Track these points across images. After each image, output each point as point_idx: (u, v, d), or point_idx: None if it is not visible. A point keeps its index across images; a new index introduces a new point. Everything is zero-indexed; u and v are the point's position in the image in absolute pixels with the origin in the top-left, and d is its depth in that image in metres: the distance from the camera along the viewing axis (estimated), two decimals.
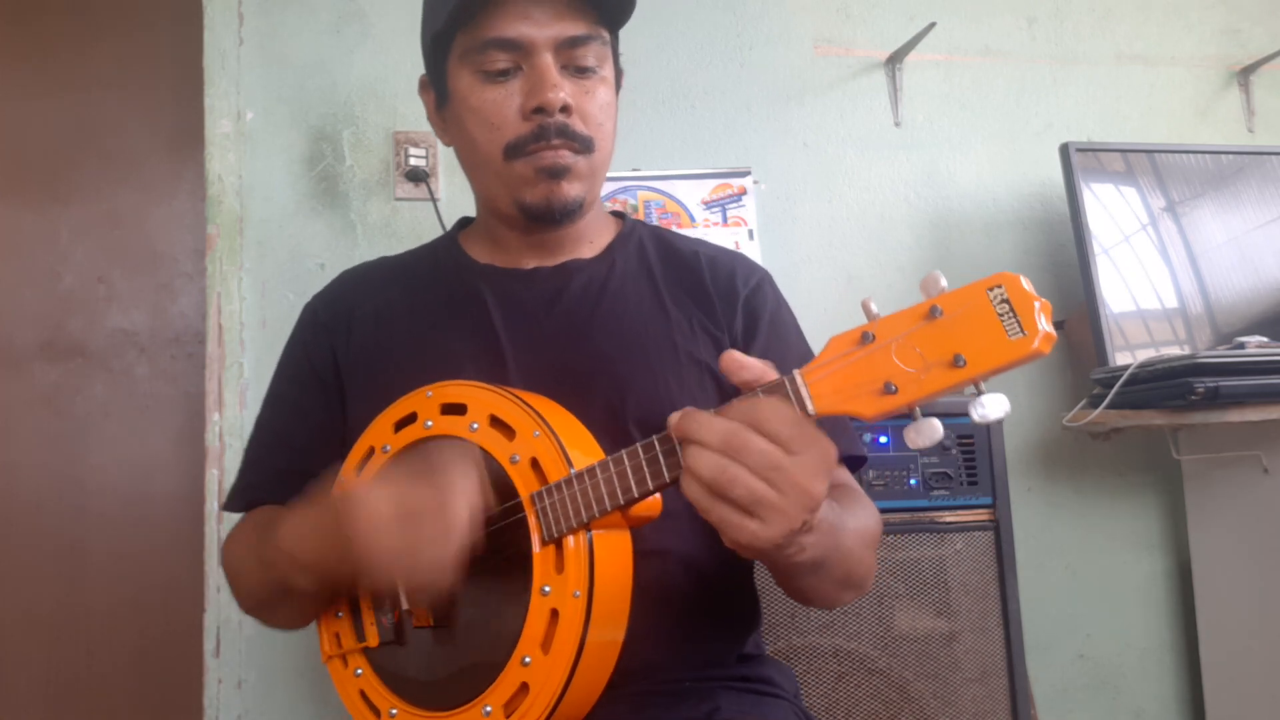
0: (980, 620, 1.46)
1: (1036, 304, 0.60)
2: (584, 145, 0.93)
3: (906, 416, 0.65)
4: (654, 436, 0.71)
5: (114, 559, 2.13)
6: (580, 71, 0.93)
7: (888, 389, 0.62)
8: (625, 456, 0.72)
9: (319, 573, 0.80)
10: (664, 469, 0.70)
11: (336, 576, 0.80)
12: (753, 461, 0.63)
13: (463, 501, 0.72)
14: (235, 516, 1.03)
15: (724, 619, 0.94)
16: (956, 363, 0.61)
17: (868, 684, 1.41)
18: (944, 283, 0.62)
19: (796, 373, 0.66)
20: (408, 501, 0.72)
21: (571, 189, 0.94)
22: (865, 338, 0.64)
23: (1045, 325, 0.59)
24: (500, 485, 0.78)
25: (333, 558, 0.77)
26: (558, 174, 0.92)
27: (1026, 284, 0.60)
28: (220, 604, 1.57)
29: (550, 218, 0.95)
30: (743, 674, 0.92)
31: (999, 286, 0.60)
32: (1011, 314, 0.60)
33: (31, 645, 2.10)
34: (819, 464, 0.65)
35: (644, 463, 0.71)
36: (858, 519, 0.85)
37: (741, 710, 0.86)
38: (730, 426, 0.64)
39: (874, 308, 0.64)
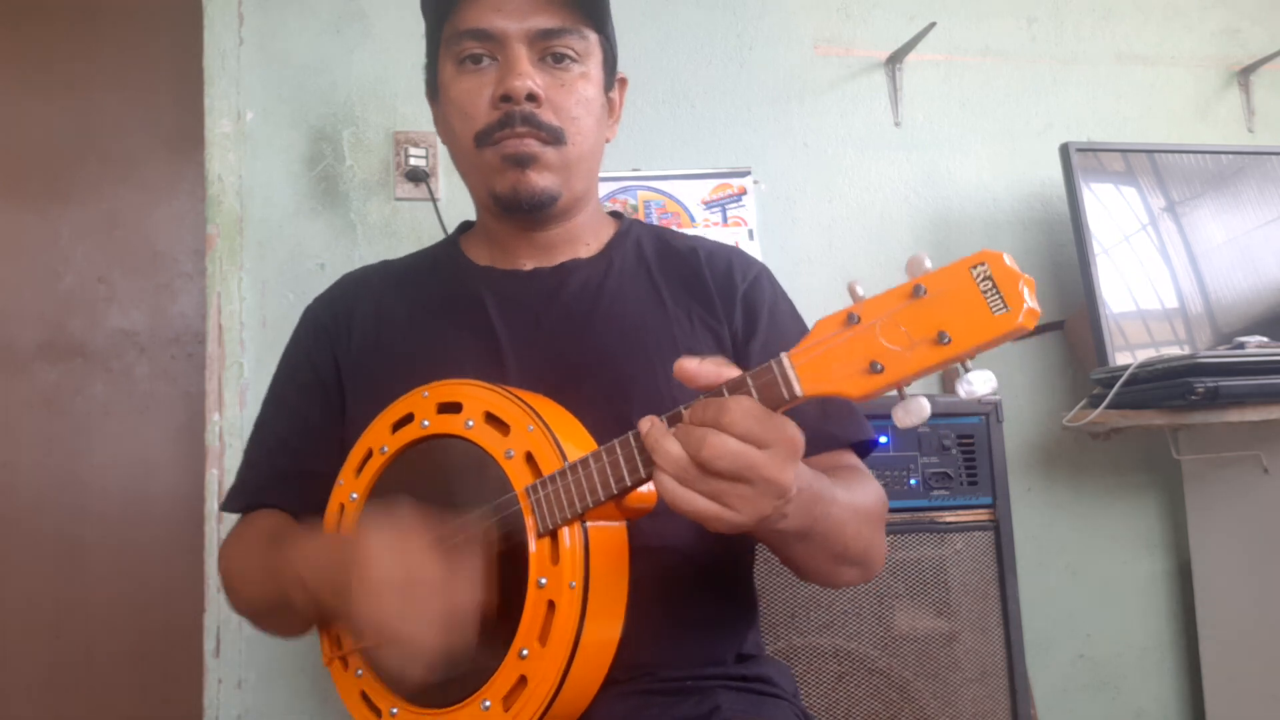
0: (980, 620, 1.46)
1: (1020, 280, 0.60)
2: (552, 135, 0.93)
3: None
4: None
5: (114, 559, 2.13)
6: (557, 64, 0.94)
7: (874, 368, 0.63)
8: (617, 446, 0.72)
9: (317, 600, 0.80)
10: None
11: (330, 609, 0.80)
12: (725, 465, 0.65)
13: (466, 600, 0.72)
14: (234, 517, 1.03)
15: (723, 616, 0.94)
16: (941, 340, 0.61)
17: (868, 684, 1.41)
18: (928, 264, 0.62)
19: (784, 355, 0.67)
20: (417, 575, 0.72)
21: (540, 179, 0.94)
22: (850, 319, 0.64)
23: (1030, 300, 0.59)
24: (495, 480, 0.78)
25: (330, 591, 0.77)
26: (522, 162, 0.93)
27: (1010, 261, 0.60)
28: (220, 604, 1.57)
29: (519, 208, 0.96)
30: (741, 673, 0.92)
31: (982, 264, 0.61)
32: (995, 290, 0.60)
33: (32, 645, 2.10)
34: (788, 454, 0.67)
35: (635, 451, 0.71)
36: (852, 493, 0.85)
37: (741, 710, 0.86)
38: (699, 431, 0.66)
39: (860, 290, 0.65)
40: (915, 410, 0.63)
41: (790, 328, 1.02)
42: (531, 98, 0.92)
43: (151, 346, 2.21)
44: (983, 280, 0.60)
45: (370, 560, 0.73)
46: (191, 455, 1.91)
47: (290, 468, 0.99)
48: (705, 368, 0.69)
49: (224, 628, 1.58)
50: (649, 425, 0.69)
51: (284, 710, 1.58)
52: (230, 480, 1.05)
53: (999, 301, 0.60)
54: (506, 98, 0.92)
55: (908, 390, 0.64)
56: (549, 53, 0.94)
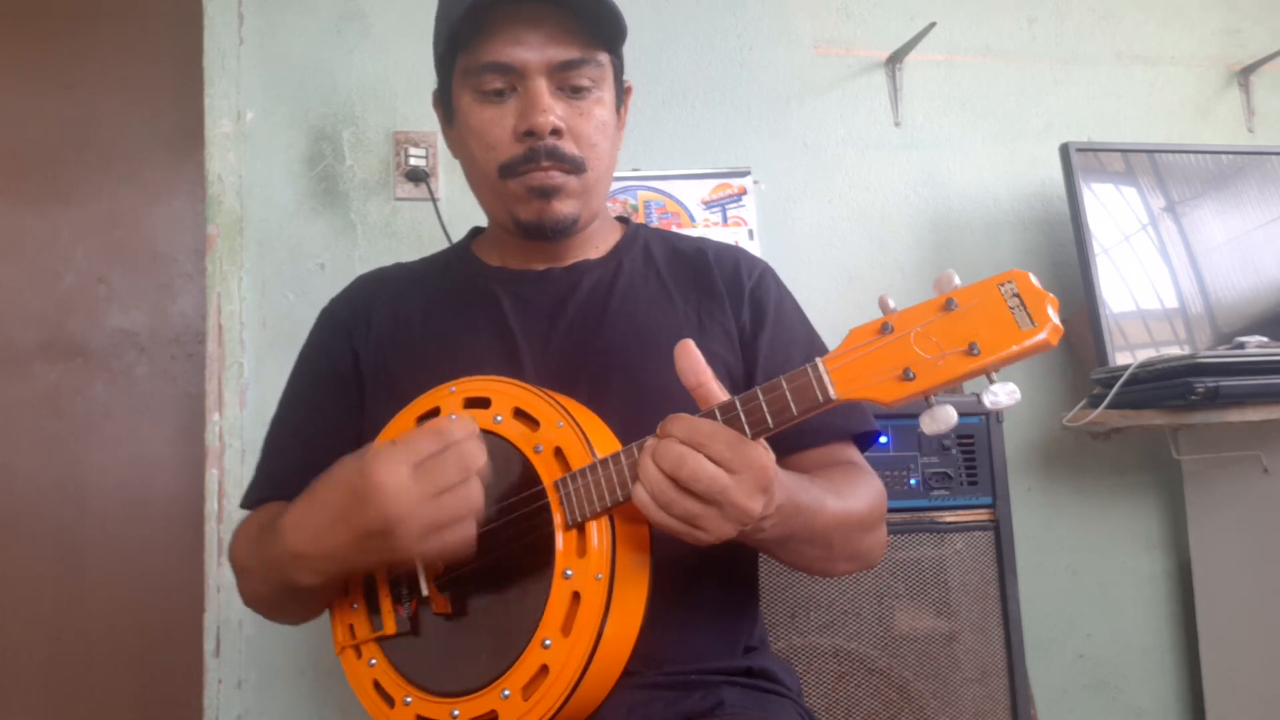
0: (980, 620, 1.46)
1: (1046, 299, 0.64)
2: (575, 166, 0.95)
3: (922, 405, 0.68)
4: None
5: (114, 559, 2.13)
6: (575, 93, 0.96)
7: (906, 375, 0.66)
8: (649, 443, 0.73)
9: (328, 560, 0.80)
10: None
11: (349, 558, 0.80)
12: (700, 487, 0.68)
13: (474, 442, 0.75)
14: (240, 516, 1.03)
15: (727, 609, 0.95)
16: (971, 351, 0.64)
17: (868, 684, 1.41)
18: (957, 280, 0.66)
19: (819, 360, 0.69)
20: (421, 453, 0.74)
21: (564, 207, 0.97)
22: (885, 328, 0.67)
23: (1054, 319, 0.64)
24: (524, 474, 0.80)
25: (345, 537, 0.77)
26: (548, 193, 0.95)
27: (1035, 280, 0.65)
28: (220, 604, 1.57)
29: (543, 234, 0.98)
30: (747, 667, 0.93)
31: (1010, 282, 0.65)
32: (1022, 307, 0.64)
33: (31, 645, 2.09)
34: (756, 482, 0.70)
35: None
36: (844, 500, 0.87)
37: (745, 707, 0.87)
38: (679, 451, 0.69)
39: (891, 303, 0.68)
40: (942, 418, 0.66)
41: (796, 324, 1.04)
42: (555, 132, 0.93)
43: (151, 346, 2.21)
44: (1010, 297, 0.65)
45: (374, 468, 0.74)
46: (191, 455, 1.90)
47: (306, 462, 0.98)
48: (704, 369, 0.72)
49: (224, 628, 1.58)
50: (651, 443, 0.72)
51: (284, 710, 1.58)
52: (230, 480, 1.05)
53: (1026, 318, 0.64)
54: (530, 133, 0.93)
55: (934, 399, 0.67)
56: (567, 83, 0.95)
